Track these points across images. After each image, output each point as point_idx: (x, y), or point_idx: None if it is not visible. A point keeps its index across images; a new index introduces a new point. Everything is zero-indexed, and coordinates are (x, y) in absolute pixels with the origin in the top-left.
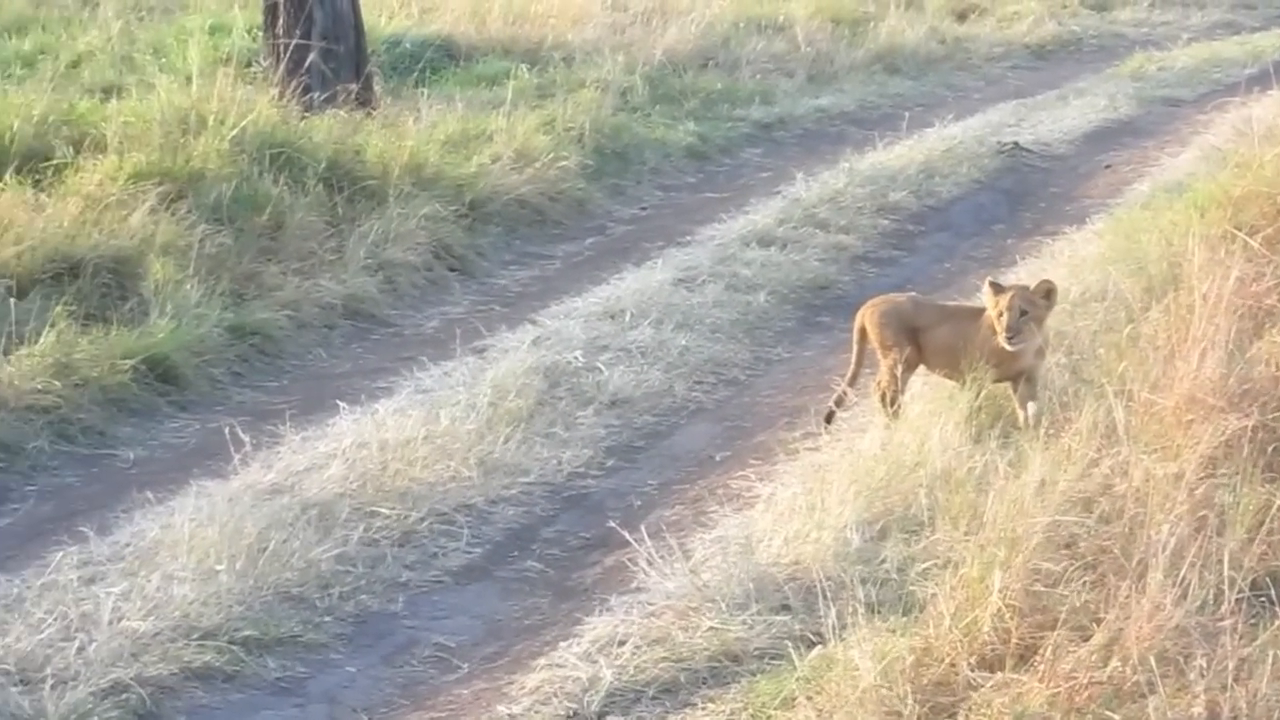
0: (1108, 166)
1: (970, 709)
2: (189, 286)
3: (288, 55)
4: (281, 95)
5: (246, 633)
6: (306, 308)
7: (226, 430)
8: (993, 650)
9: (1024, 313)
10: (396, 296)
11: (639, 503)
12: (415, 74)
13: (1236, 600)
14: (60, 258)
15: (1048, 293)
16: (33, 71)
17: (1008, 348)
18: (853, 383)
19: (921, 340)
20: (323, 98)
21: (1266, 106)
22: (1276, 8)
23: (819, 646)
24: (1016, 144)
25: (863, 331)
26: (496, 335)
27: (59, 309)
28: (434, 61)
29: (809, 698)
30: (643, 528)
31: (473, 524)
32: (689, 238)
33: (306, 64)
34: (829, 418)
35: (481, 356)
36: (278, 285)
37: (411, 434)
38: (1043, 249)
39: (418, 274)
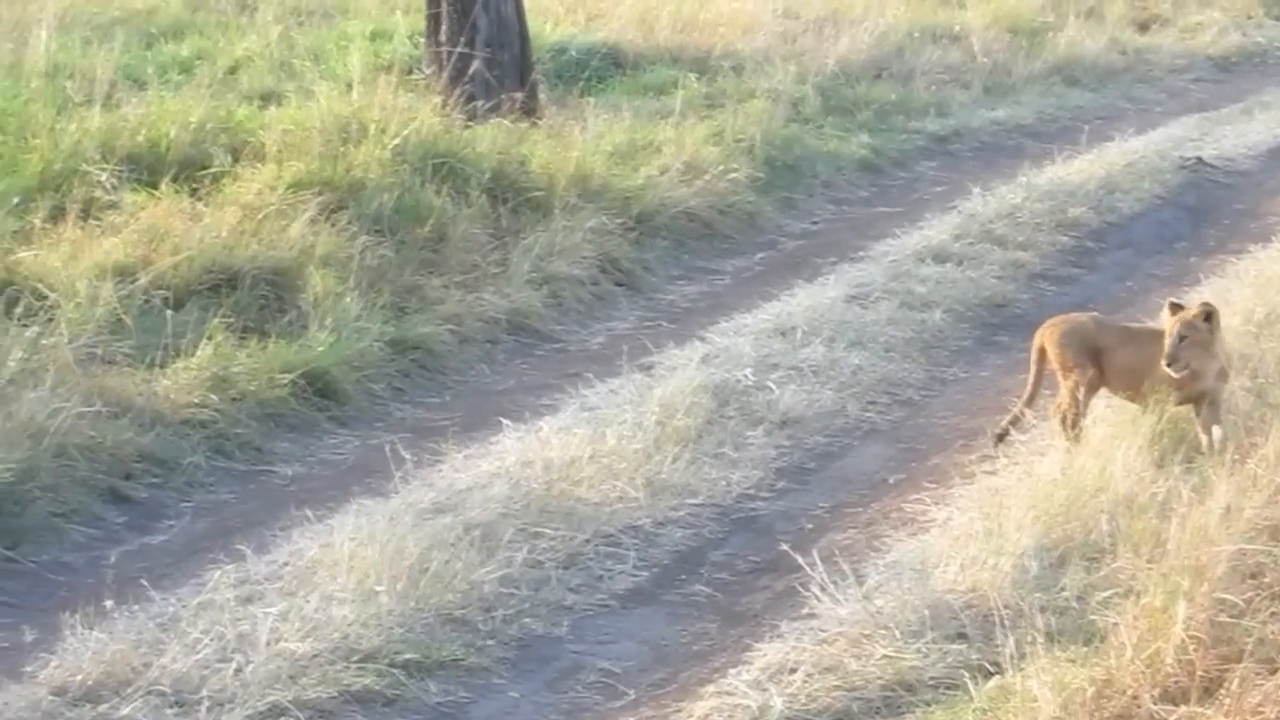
0: None
1: None
2: (349, 299)
3: (451, 63)
4: (444, 104)
5: (407, 656)
6: (469, 322)
7: (387, 447)
8: (1176, 683)
9: (1183, 338)
10: (562, 311)
11: (810, 526)
12: (581, 82)
13: None
14: (218, 268)
15: (1207, 316)
16: (190, 77)
17: (1170, 374)
18: (1030, 404)
19: (1104, 362)
20: (486, 106)
21: None
22: None
23: (996, 676)
24: (1200, 159)
25: (1042, 351)
26: (664, 352)
27: (216, 321)
28: (600, 70)
29: None
30: (814, 551)
31: (639, 546)
32: (862, 253)
33: (470, 72)
34: (1001, 438)
35: (649, 374)
36: (440, 299)
37: (577, 453)
38: (1227, 267)
39: (583, 288)
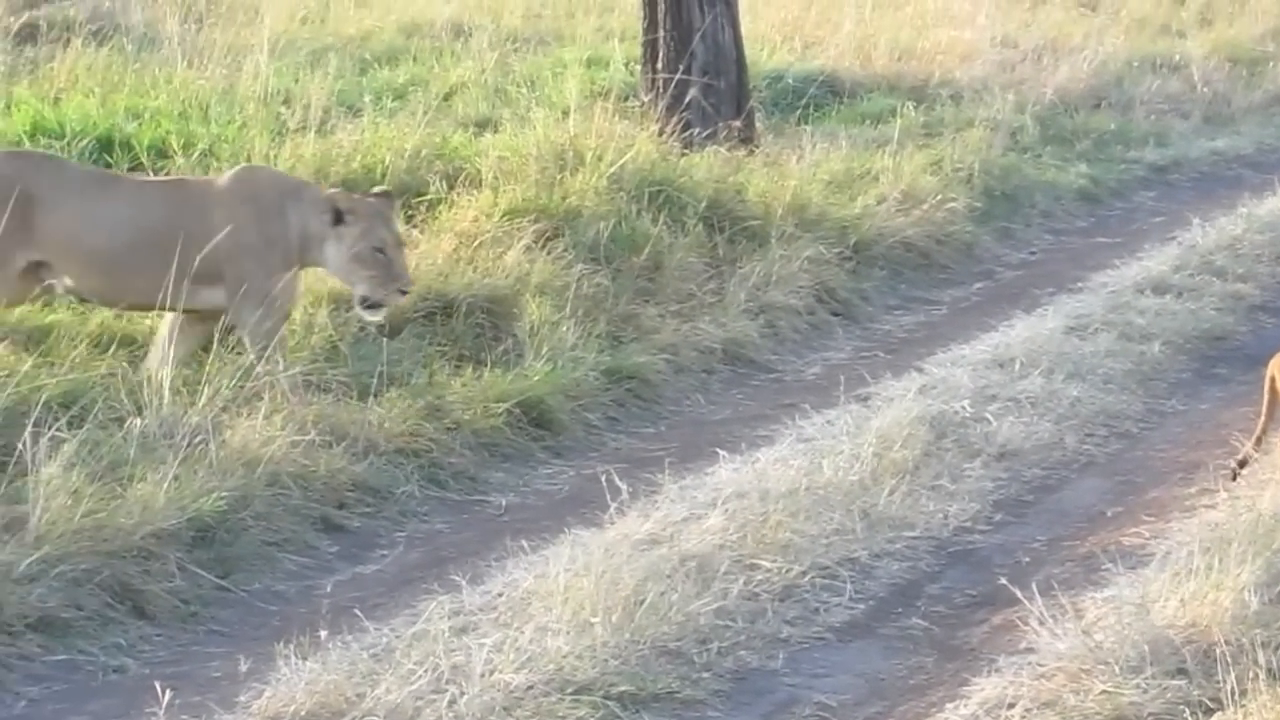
0: None
1: None
2: (565, 328)
3: (668, 90)
4: (661, 131)
5: (622, 688)
6: (685, 351)
7: (602, 477)
8: None
9: None
10: (777, 341)
11: (1027, 559)
12: (798, 110)
13: None
14: (433, 296)
15: None
16: (404, 103)
17: None
18: (1260, 442)
19: None
20: (703, 134)
21: None
22: None
23: (1218, 713)
24: None
25: (1273, 382)
26: (880, 383)
27: (431, 349)
28: (817, 98)
29: None
30: (1032, 585)
31: (855, 579)
32: (1080, 284)
33: (687, 100)
34: (1234, 477)
35: (865, 405)
36: (655, 328)
37: (793, 484)
38: None
39: (799, 318)
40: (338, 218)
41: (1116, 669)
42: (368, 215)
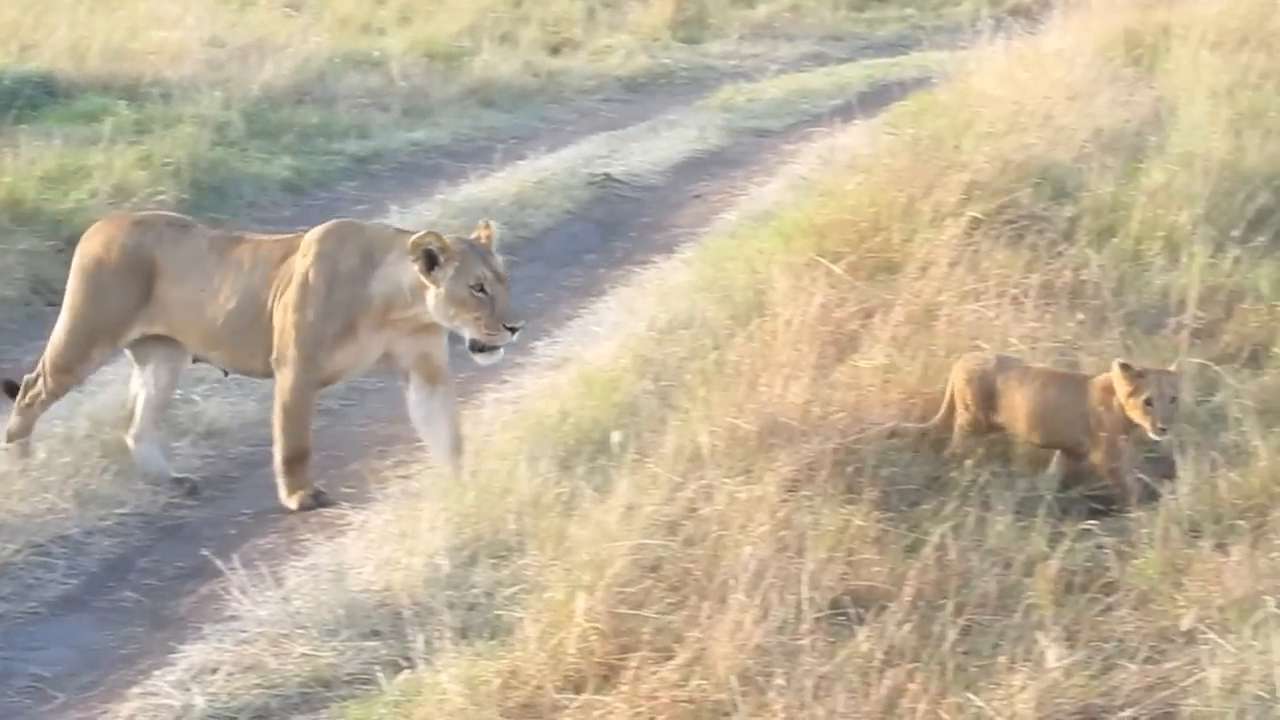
0: (697, 196)
1: None
2: None
3: None
4: None
5: None
6: None
7: None
8: (578, 671)
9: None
10: None
11: (234, 531)
12: (14, 111)
13: (816, 619)
14: None
15: None
16: None
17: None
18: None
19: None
20: None
21: (851, 136)
22: (863, 40)
23: (406, 671)
24: (608, 175)
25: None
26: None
27: None
28: (33, 98)
29: None
30: (236, 556)
31: (69, 555)
32: None
33: None
34: None
35: (80, 389)
36: None
37: (6, 468)
38: (633, 278)
39: (15, 308)
40: (430, 262)
41: (315, 633)
42: (460, 253)
